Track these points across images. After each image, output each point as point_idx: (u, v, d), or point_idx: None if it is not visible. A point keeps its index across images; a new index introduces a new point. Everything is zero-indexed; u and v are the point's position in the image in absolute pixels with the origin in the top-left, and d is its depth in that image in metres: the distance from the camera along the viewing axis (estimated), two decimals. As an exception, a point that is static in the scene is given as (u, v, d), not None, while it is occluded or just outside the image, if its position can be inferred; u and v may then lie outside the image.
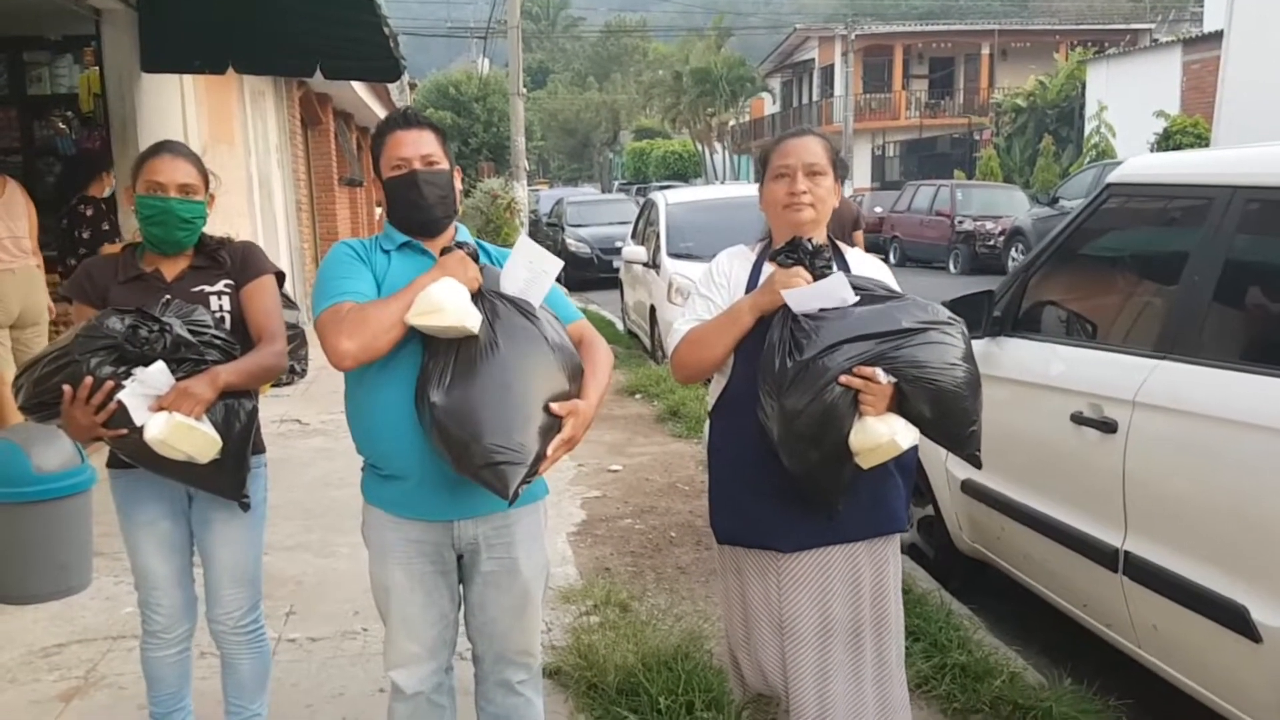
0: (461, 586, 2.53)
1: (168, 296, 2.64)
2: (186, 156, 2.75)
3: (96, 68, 7.11)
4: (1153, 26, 35.47)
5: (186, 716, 2.98)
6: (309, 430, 7.48)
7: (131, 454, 2.54)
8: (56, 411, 2.49)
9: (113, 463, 2.71)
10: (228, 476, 2.62)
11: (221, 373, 2.53)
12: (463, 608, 2.56)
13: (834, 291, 2.41)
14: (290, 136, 12.37)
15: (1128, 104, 22.47)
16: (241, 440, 2.62)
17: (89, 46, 7.32)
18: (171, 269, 2.75)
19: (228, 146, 9.33)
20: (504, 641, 2.53)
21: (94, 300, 2.68)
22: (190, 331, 2.55)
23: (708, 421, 2.77)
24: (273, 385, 9.09)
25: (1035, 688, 3.34)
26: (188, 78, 7.79)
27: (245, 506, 2.69)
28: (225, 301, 2.75)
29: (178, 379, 2.47)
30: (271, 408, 8.16)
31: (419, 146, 2.42)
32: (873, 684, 2.64)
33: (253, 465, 2.72)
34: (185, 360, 2.51)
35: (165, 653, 2.85)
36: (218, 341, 2.61)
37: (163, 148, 2.75)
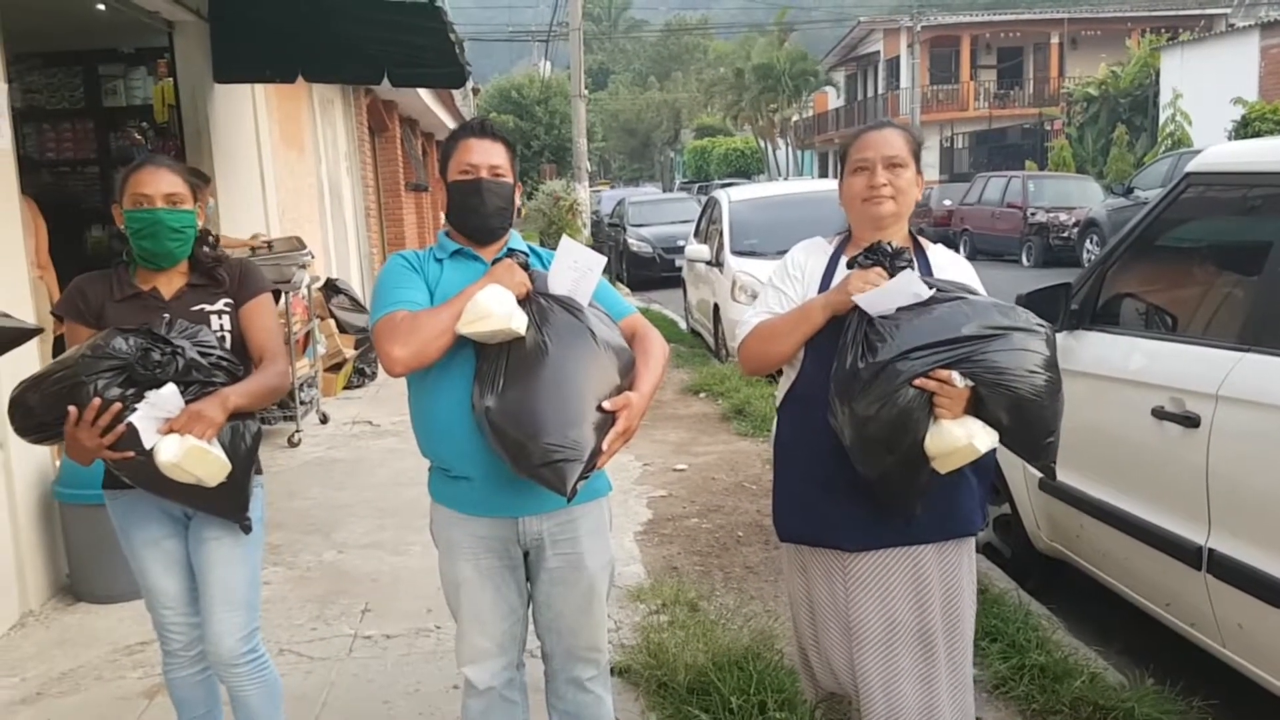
0: (529, 584, 2.56)
1: (167, 316, 2.58)
2: (171, 167, 2.69)
3: (170, 79, 7.29)
4: (1228, 11, 34.43)
5: None
6: (380, 431, 7.58)
7: (134, 476, 2.50)
8: (56, 433, 2.44)
9: (109, 484, 2.67)
10: (232, 498, 2.59)
11: (230, 395, 2.50)
12: (531, 605, 2.58)
13: (906, 289, 2.35)
14: (359, 144, 12.57)
15: (1204, 91, 21.87)
16: (247, 462, 2.61)
17: (162, 58, 7.49)
18: (168, 287, 2.69)
19: (298, 154, 9.50)
20: (572, 638, 2.55)
21: (88, 319, 2.62)
22: (199, 353, 2.53)
23: (776, 416, 2.74)
24: (345, 387, 9.24)
25: (1116, 688, 3.27)
26: (259, 87, 7.96)
27: (247, 529, 2.67)
28: (226, 321, 2.70)
29: (186, 401, 2.44)
30: (344, 409, 8.30)
31: (489, 156, 2.47)
32: (948, 691, 2.57)
33: (253, 486, 2.70)
34: (193, 382, 2.48)
35: (188, 672, 2.83)
36: (224, 363, 2.57)
37: (146, 160, 2.71)
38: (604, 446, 2.25)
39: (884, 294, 2.36)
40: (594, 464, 2.23)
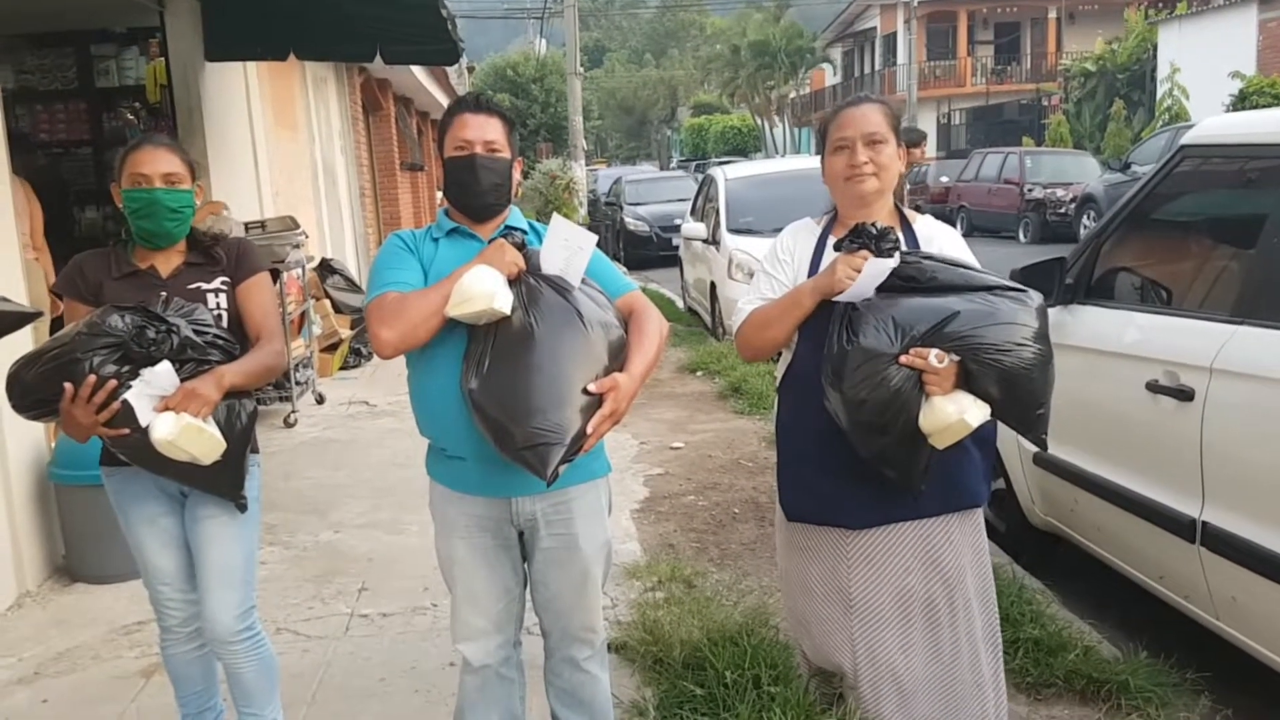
0: (526, 564, 2.55)
1: (165, 294, 2.59)
2: (169, 147, 2.69)
3: (162, 58, 7.25)
4: (1227, -17, 34.26)
5: (217, 718, 2.99)
6: (377, 412, 7.58)
7: (130, 453, 2.50)
8: (52, 410, 2.43)
9: (106, 461, 2.68)
10: (227, 477, 2.59)
11: (226, 373, 2.50)
12: (528, 584, 2.58)
13: (880, 272, 2.37)
14: (352, 122, 12.51)
15: (1201, 65, 21.79)
16: (242, 440, 2.61)
17: (154, 38, 7.45)
18: (166, 265, 2.70)
19: (291, 133, 9.46)
20: (567, 618, 2.55)
21: (86, 297, 2.62)
22: (195, 331, 2.52)
23: (776, 397, 2.74)
24: (340, 368, 9.24)
25: (1110, 661, 3.29)
26: (251, 66, 7.92)
27: (243, 507, 2.67)
28: (222, 299, 2.70)
29: (181, 379, 2.44)
30: (340, 390, 8.30)
31: (484, 132, 2.45)
32: (950, 663, 2.57)
33: (248, 465, 2.70)
34: (189, 360, 2.48)
35: (185, 648, 2.84)
36: (220, 341, 2.58)
37: (144, 140, 2.70)
38: (589, 429, 2.22)
39: (860, 284, 2.37)
40: (578, 447, 2.21)
